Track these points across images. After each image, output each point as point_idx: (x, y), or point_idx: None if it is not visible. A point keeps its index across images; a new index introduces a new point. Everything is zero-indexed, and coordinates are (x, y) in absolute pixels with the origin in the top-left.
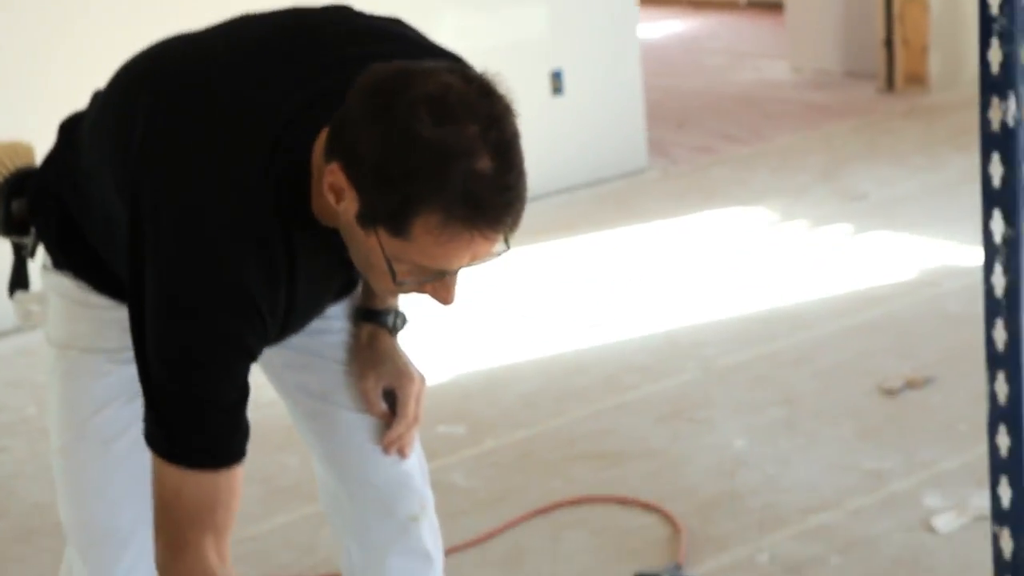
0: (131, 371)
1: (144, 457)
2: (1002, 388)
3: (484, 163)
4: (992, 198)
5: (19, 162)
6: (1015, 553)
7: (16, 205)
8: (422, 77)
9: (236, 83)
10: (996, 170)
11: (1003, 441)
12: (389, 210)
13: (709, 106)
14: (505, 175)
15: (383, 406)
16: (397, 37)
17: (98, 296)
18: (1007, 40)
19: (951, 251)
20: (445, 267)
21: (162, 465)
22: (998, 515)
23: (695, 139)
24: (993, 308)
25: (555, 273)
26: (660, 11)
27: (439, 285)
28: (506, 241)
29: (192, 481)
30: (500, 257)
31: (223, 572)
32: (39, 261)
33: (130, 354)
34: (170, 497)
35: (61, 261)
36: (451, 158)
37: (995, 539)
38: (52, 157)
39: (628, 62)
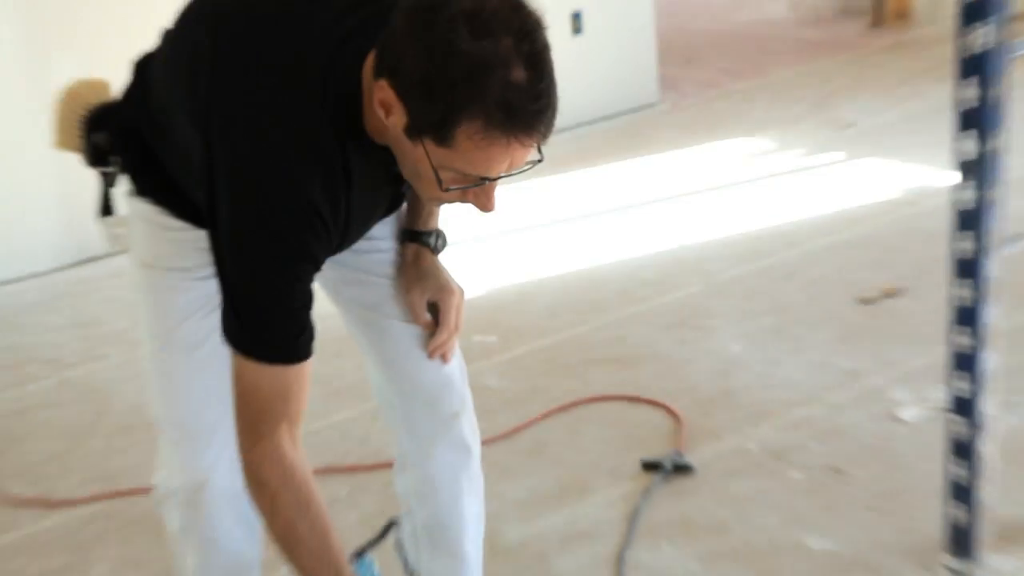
0: (209, 287)
1: (224, 362)
2: (963, 293)
3: (519, 73)
4: (965, 118)
5: (97, 98)
6: (966, 437)
7: (98, 138)
8: None
9: (288, 20)
10: (970, 94)
11: (959, 340)
12: (433, 120)
13: (714, 43)
14: (538, 84)
15: (427, 316)
16: None
17: (176, 220)
18: None
19: (929, 173)
20: (486, 173)
21: (242, 362)
22: (953, 405)
23: (701, 74)
24: (963, 220)
25: (575, 200)
26: None
27: (480, 192)
28: (539, 149)
29: (268, 375)
30: (535, 164)
31: (295, 456)
32: (123, 188)
33: (208, 272)
34: (249, 391)
35: (141, 188)
36: (488, 69)
37: (948, 425)
38: (128, 93)
39: (641, 4)
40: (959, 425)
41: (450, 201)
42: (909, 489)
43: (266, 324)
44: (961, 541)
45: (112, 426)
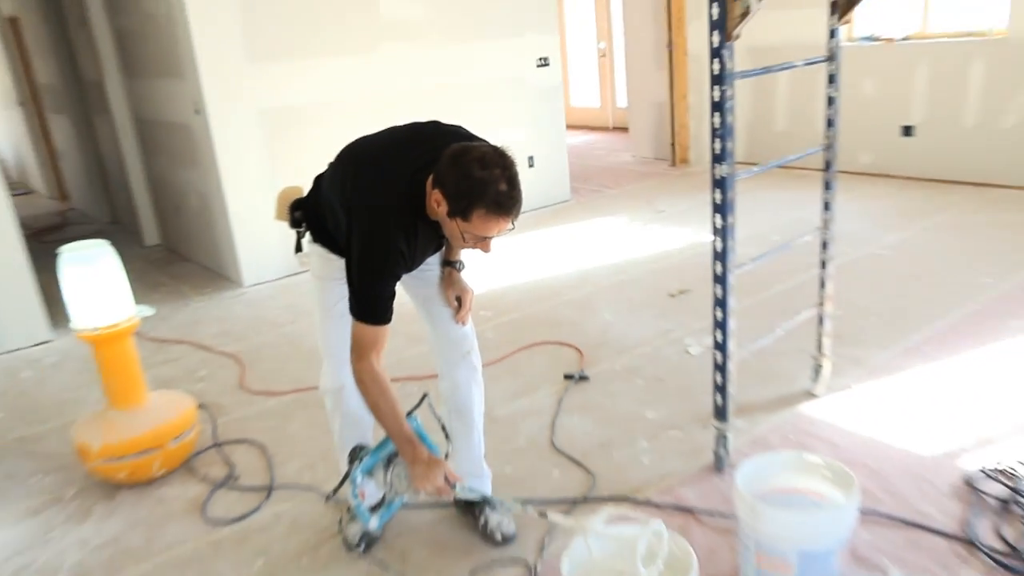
0: (344, 287)
1: (348, 324)
2: (717, 291)
3: (503, 186)
4: (716, 208)
5: (296, 195)
6: (721, 361)
7: (295, 214)
8: (473, 148)
9: (392, 156)
10: (717, 196)
11: (717, 313)
12: (460, 209)
13: (597, 173)
14: (512, 192)
15: (455, 303)
16: (459, 133)
17: (332, 254)
18: (723, 139)
19: (701, 234)
20: (486, 235)
21: (357, 324)
22: (716, 345)
23: (591, 187)
24: (716, 258)
25: (532, 245)
26: (574, 132)
27: (484, 244)
28: (512, 224)
29: (369, 331)
30: (510, 232)
31: (379, 369)
32: (307, 239)
33: (343, 279)
34: (358, 337)
35: (315, 238)
36: (488, 184)
37: (713, 356)
38: (311, 193)
39: (562, 153)
40: (718, 356)
41: (468, 247)
42: (696, 388)
43: (371, 305)
44: (720, 413)
45: (301, 356)
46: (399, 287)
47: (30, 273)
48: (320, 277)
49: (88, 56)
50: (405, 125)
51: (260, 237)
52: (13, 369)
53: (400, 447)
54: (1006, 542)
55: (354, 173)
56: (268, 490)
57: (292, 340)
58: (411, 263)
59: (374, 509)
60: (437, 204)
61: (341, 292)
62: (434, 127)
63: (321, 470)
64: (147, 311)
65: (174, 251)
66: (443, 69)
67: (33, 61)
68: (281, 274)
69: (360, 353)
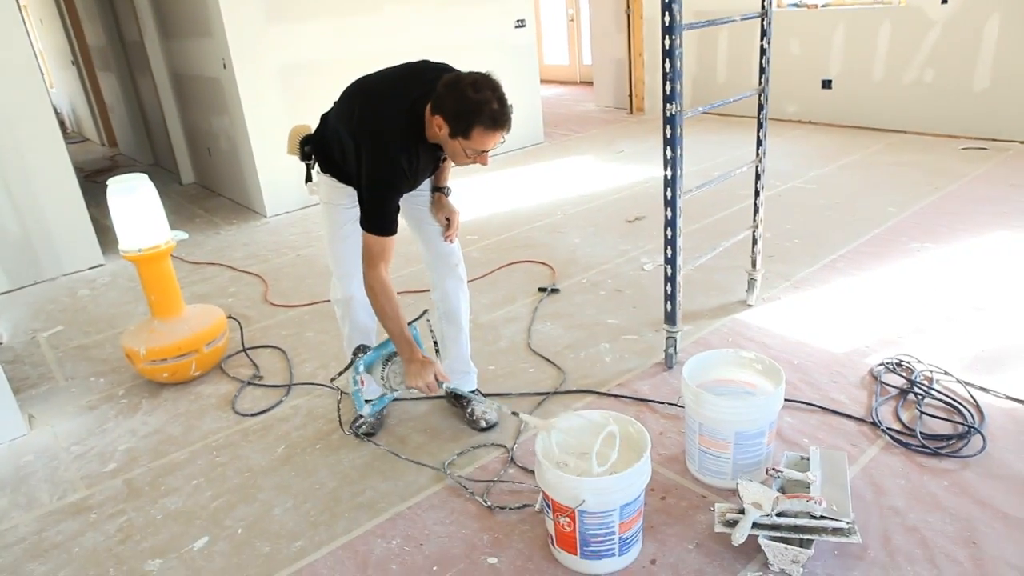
0: (352, 211)
1: (357, 243)
2: (668, 214)
3: (495, 105)
4: (667, 142)
5: (304, 132)
6: (671, 274)
7: (307, 148)
8: (465, 75)
9: (392, 89)
10: (668, 131)
11: (668, 233)
12: (461, 129)
13: (566, 120)
14: (504, 109)
15: (444, 222)
16: (447, 68)
17: (339, 182)
18: (673, 81)
19: (654, 170)
20: (485, 148)
21: (367, 236)
22: (666, 260)
23: (561, 131)
24: (667, 185)
25: (510, 181)
26: (547, 85)
27: (482, 157)
28: (504, 137)
29: (378, 241)
30: (502, 143)
31: (386, 277)
32: (315, 170)
33: (351, 205)
34: (368, 248)
35: (323, 168)
36: (483, 104)
37: (664, 270)
38: (318, 129)
39: (536, 103)
40: (669, 269)
41: (468, 163)
42: (650, 298)
43: (380, 217)
44: (670, 318)
45: (316, 274)
46: (401, 212)
47: (84, 207)
48: (328, 203)
49: (130, 19)
50: (399, 64)
51: (280, 174)
52: (72, 289)
53: (399, 347)
54: (903, 423)
55: (361, 104)
56: (288, 387)
57: (308, 261)
58: (413, 181)
59: (368, 400)
60: (439, 128)
61: (348, 215)
62: (424, 64)
63: (333, 369)
64: (182, 235)
65: (207, 188)
66: (437, 29)
67: (84, 25)
68: (299, 206)
69: (371, 262)
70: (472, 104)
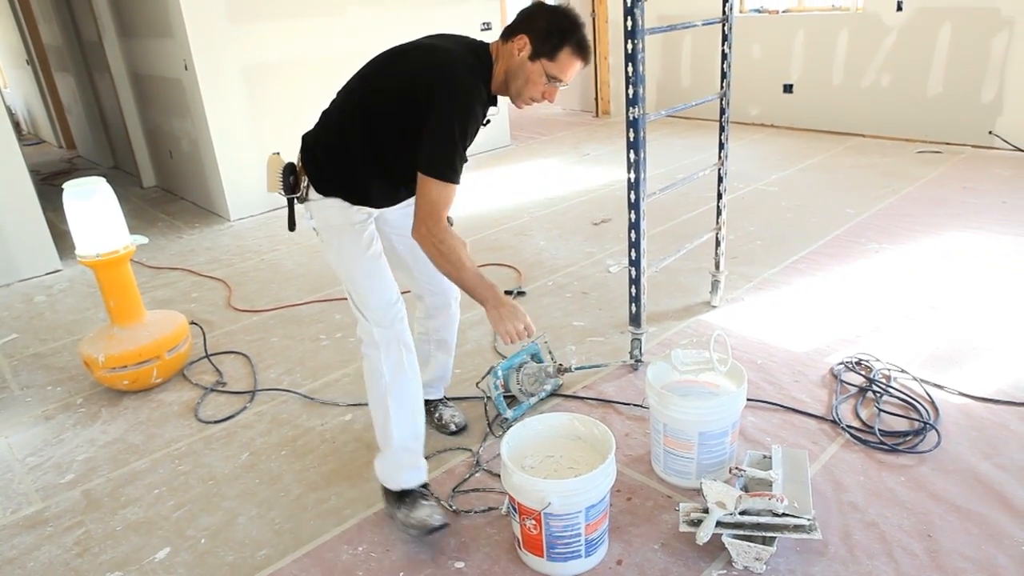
0: (369, 230)
1: (387, 262)
2: (632, 216)
3: (584, 31)
4: (630, 145)
5: (282, 162)
6: (635, 277)
7: (292, 178)
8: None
9: (448, 38)
10: (631, 135)
11: (632, 236)
12: (550, 48)
13: (532, 123)
14: (589, 41)
15: None
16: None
17: (348, 203)
18: (635, 85)
19: (619, 173)
20: (564, 76)
21: (432, 184)
22: (631, 262)
23: (528, 134)
24: (631, 188)
25: (477, 184)
26: None
27: (552, 91)
28: (579, 70)
29: (447, 190)
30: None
31: (451, 230)
32: (313, 196)
33: (366, 222)
34: (437, 198)
35: (327, 189)
36: (577, 25)
37: (629, 272)
38: (315, 134)
39: (502, 107)
40: (633, 271)
41: (533, 97)
42: (615, 300)
43: (454, 159)
44: (635, 320)
45: (281, 279)
46: (384, 247)
47: (40, 211)
48: (342, 228)
49: (87, 18)
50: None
51: (243, 177)
52: (28, 295)
53: (482, 293)
54: (862, 421)
55: (422, 52)
56: (252, 393)
57: (272, 265)
58: (475, 133)
59: (508, 405)
60: (518, 51)
61: (369, 231)
62: (442, 35)
63: (298, 374)
64: (141, 240)
65: (169, 191)
66: (401, 31)
67: (39, 23)
68: (263, 209)
69: (436, 215)
70: (566, 22)
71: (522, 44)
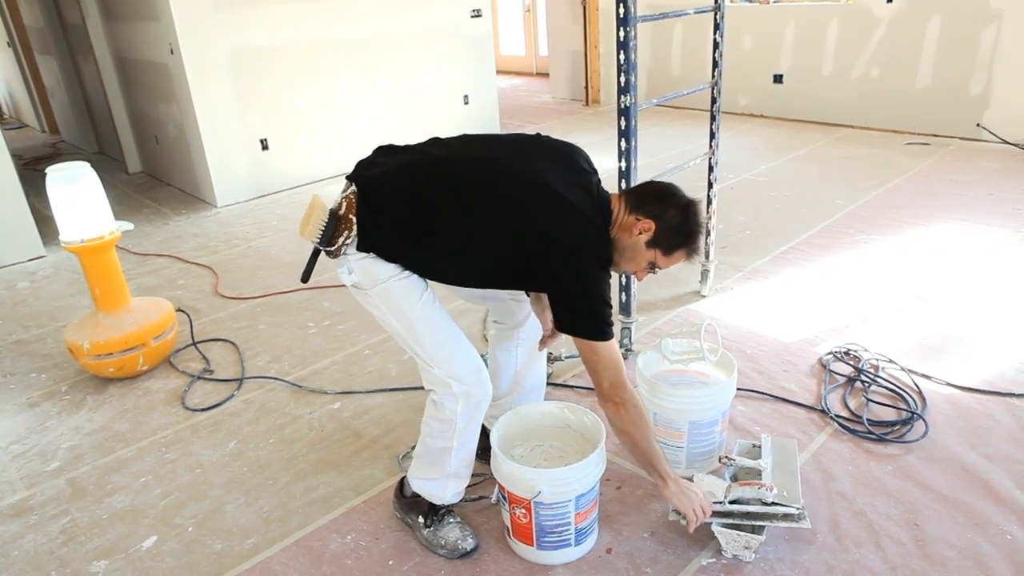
0: (413, 279)
1: (443, 308)
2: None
3: (701, 238)
4: (621, 134)
5: (325, 209)
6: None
7: (337, 234)
8: (696, 202)
9: (563, 178)
10: (622, 123)
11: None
12: (669, 245)
13: (522, 111)
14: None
15: (548, 326)
16: (558, 142)
17: (399, 267)
18: (627, 73)
19: (609, 161)
20: (663, 268)
21: (602, 347)
22: None
23: (517, 122)
24: (621, 176)
25: None
26: (503, 76)
27: (646, 273)
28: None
29: (613, 348)
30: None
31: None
32: (351, 250)
33: (403, 274)
34: (610, 360)
35: (367, 249)
36: (698, 235)
37: None
38: (368, 195)
39: (492, 93)
40: None
41: (634, 271)
42: None
43: (607, 317)
44: (625, 309)
45: (268, 266)
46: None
47: (23, 196)
48: (387, 279)
49: (71, 0)
50: (526, 138)
51: (230, 163)
52: (11, 281)
53: (666, 468)
54: (850, 410)
55: (548, 199)
56: (239, 381)
57: (260, 252)
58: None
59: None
60: (639, 232)
61: (415, 279)
62: (563, 144)
63: (286, 362)
64: (127, 226)
65: (155, 177)
66: (391, 17)
67: (20, 4)
68: (250, 196)
69: (622, 380)
70: (693, 227)
71: (647, 228)
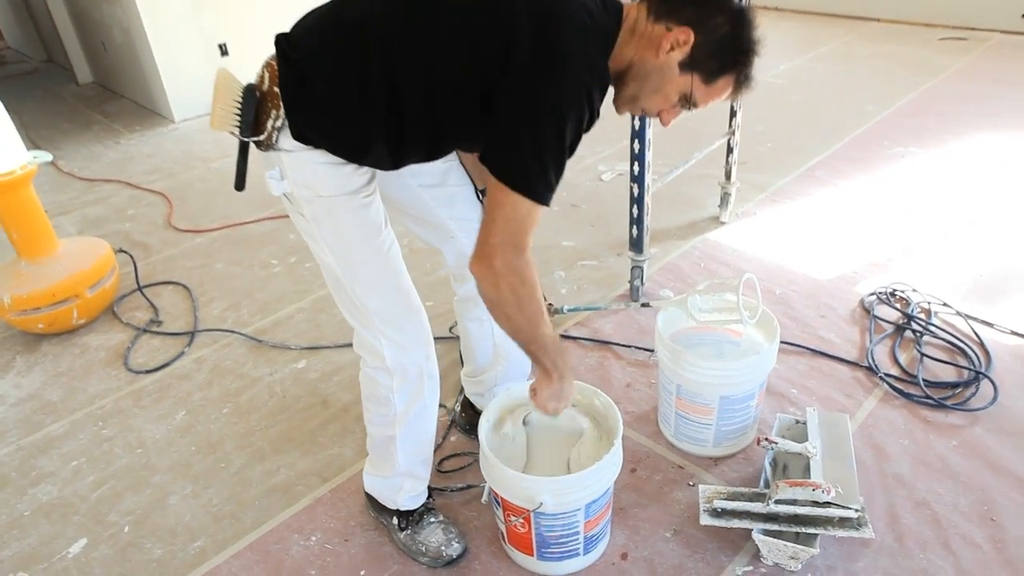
0: (373, 208)
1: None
2: (635, 123)
3: (753, 65)
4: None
5: (238, 84)
6: (639, 196)
7: (254, 112)
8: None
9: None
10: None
11: (635, 146)
12: (711, 67)
13: None
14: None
15: None
16: None
17: (342, 159)
18: None
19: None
20: (702, 105)
21: (515, 200)
22: (633, 178)
23: None
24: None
25: None
26: None
27: (674, 113)
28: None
29: (536, 212)
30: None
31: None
32: (287, 144)
33: (368, 192)
34: (522, 221)
35: (309, 136)
36: (755, 54)
37: (631, 190)
38: (313, 51)
39: None
40: (635, 188)
41: (651, 112)
42: (610, 214)
43: (548, 169)
44: (636, 244)
45: (229, 191)
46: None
47: None
48: (335, 201)
49: None
50: None
51: (187, 72)
52: None
53: (554, 360)
54: (901, 367)
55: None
56: (191, 335)
57: (220, 175)
58: (578, 142)
59: None
60: (670, 47)
61: (376, 209)
62: None
63: (245, 309)
64: (44, 157)
65: (107, 88)
66: None
67: None
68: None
69: (521, 243)
70: (750, 42)
71: (683, 40)
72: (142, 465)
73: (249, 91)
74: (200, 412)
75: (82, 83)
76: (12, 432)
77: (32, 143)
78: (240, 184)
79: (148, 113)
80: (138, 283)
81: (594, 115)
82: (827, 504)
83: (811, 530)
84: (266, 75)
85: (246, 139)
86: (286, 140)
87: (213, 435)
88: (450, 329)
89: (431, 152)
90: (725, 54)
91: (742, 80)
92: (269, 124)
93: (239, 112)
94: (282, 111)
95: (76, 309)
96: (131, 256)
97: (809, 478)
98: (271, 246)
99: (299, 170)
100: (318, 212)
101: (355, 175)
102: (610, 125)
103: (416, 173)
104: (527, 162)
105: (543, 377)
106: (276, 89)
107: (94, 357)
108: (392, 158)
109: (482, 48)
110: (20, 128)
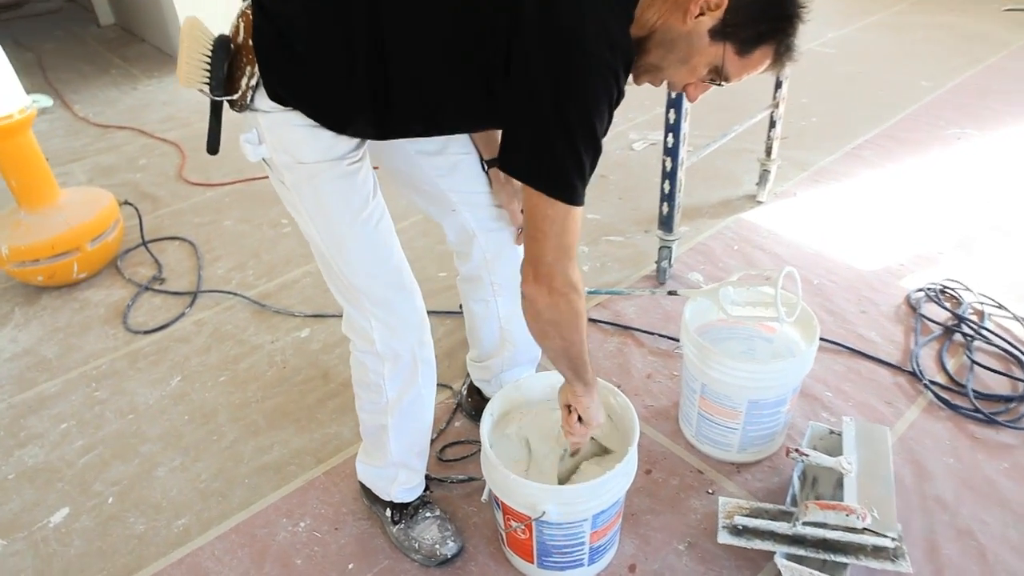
0: (362, 174)
1: (393, 231)
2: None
3: (797, 34)
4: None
5: (207, 35)
6: (672, 170)
7: (226, 66)
8: None
9: None
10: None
11: (670, 116)
12: (746, 35)
13: None
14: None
15: (518, 215)
16: None
17: (320, 126)
18: None
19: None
20: (735, 79)
21: (551, 207)
22: (666, 151)
23: None
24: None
25: None
26: None
27: (701, 88)
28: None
29: (574, 216)
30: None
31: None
32: (262, 105)
33: (355, 158)
34: (565, 230)
35: (287, 96)
36: (798, 21)
37: (663, 164)
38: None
39: None
40: (668, 162)
41: (676, 86)
42: (640, 186)
43: (579, 170)
44: (666, 223)
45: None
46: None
47: None
48: (319, 169)
49: None
50: None
51: (206, 13)
52: None
53: (590, 376)
54: (949, 375)
55: None
56: (193, 295)
57: (237, 124)
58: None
59: None
60: (699, 12)
61: (367, 173)
62: None
63: (251, 270)
64: (44, 102)
65: (128, 31)
66: None
67: None
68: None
69: (569, 254)
70: (791, 8)
71: (714, 5)
72: (132, 432)
73: (220, 43)
74: (196, 379)
75: (103, 25)
76: (4, 388)
77: (51, 86)
78: (213, 147)
79: (167, 59)
80: (143, 237)
81: (621, 94)
82: (864, 531)
83: (841, 558)
84: (241, 25)
85: (218, 98)
86: (262, 100)
87: (207, 404)
88: (460, 305)
89: (427, 126)
90: (764, 20)
91: (783, 51)
92: (243, 82)
93: (208, 67)
94: (257, 68)
95: (77, 263)
96: (136, 209)
97: (842, 495)
98: (282, 204)
99: (277, 133)
100: (299, 180)
101: (340, 139)
102: (644, 89)
103: (413, 139)
104: (564, 164)
105: (585, 393)
106: (251, 43)
107: (93, 313)
108: (377, 129)
109: (482, 14)
110: (39, 70)
